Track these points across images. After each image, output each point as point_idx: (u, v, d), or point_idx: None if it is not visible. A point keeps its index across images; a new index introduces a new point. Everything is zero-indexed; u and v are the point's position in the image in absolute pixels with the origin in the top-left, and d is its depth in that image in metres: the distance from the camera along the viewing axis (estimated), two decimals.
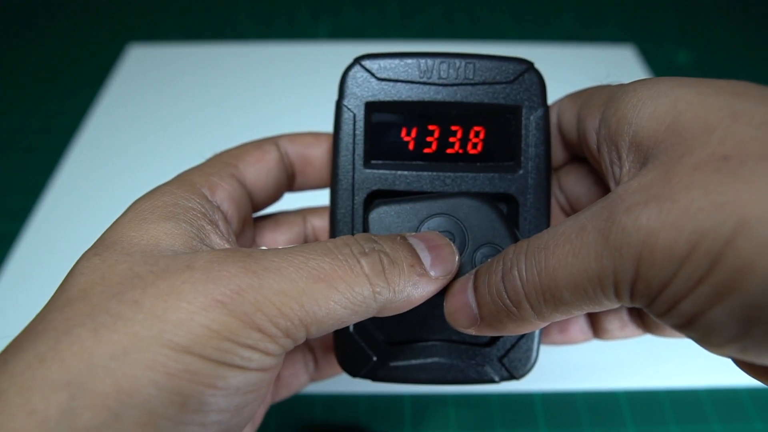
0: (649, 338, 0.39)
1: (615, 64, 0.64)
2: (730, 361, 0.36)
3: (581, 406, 0.36)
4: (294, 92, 0.58)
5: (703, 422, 0.35)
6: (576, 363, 0.38)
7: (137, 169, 0.50)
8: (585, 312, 0.19)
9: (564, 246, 0.18)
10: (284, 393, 0.29)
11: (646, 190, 0.17)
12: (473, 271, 0.23)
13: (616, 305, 0.18)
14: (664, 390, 0.37)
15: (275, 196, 0.28)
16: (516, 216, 0.26)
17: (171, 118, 0.56)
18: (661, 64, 0.64)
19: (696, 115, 0.17)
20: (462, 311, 0.22)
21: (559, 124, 0.27)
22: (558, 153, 0.28)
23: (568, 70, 0.62)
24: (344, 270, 0.19)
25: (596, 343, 0.39)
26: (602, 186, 0.27)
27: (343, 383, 0.36)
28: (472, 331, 0.22)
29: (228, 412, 0.18)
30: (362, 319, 0.20)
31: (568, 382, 0.37)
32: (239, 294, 0.17)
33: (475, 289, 0.22)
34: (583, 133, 0.24)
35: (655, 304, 0.17)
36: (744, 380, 0.37)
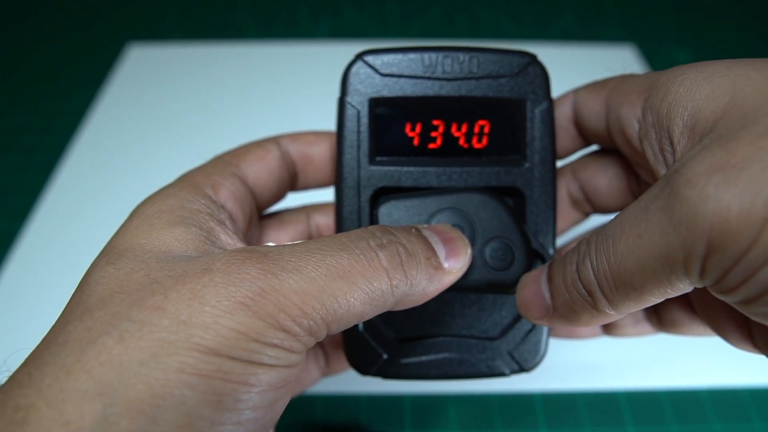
0: (649, 338, 0.39)
1: (615, 64, 0.63)
2: (730, 361, 0.36)
3: (581, 406, 0.36)
4: (294, 92, 0.58)
5: (703, 422, 0.35)
6: (576, 363, 0.38)
7: (137, 169, 0.50)
8: (659, 299, 0.19)
9: (630, 230, 0.18)
10: (298, 389, 0.29)
11: (708, 161, 0.16)
12: (547, 263, 0.23)
13: (688, 287, 0.18)
14: (664, 390, 0.37)
15: (278, 195, 0.28)
16: (523, 209, 0.26)
17: (171, 118, 0.56)
18: (661, 64, 0.64)
19: (757, 88, 0.17)
20: (535, 301, 0.22)
21: (576, 116, 0.27)
22: (569, 144, 0.28)
23: (568, 70, 0.62)
24: (362, 265, 0.19)
25: (596, 343, 0.39)
26: (627, 177, 0.27)
27: (344, 383, 0.36)
28: (544, 323, 0.23)
29: (262, 408, 0.18)
30: (379, 313, 0.20)
31: (568, 382, 0.37)
32: (261, 296, 0.17)
33: (549, 279, 0.22)
34: (618, 122, 0.23)
35: (729, 276, 0.16)
36: (744, 380, 0.37)
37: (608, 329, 0.30)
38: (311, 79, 0.59)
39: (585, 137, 0.28)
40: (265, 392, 0.17)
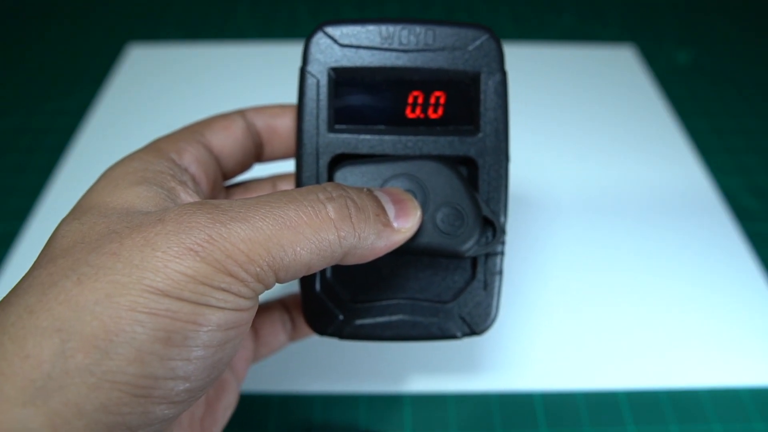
0: (648, 338, 0.39)
1: (615, 64, 0.64)
2: (730, 361, 0.36)
3: (581, 406, 0.36)
4: (294, 92, 0.58)
5: (703, 422, 0.35)
6: (576, 363, 0.38)
7: None
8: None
9: None
10: (264, 351, 0.30)
11: None
12: None
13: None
14: (664, 390, 0.37)
15: (244, 164, 0.29)
16: (476, 178, 0.27)
17: (171, 118, 0.56)
18: (661, 64, 0.64)
19: None
20: None
21: None
22: None
23: (568, 70, 0.62)
24: (309, 216, 0.20)
25: (596, 343, 0.39)
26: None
27: (344, 383, 0.36)
28: None
29: (211, 347, 0.19)
30: (329, 264, 0.21)
31: (568, 382, 0.37)
32: (209, 243, 0.18)
33: None
34: None
35: None
36: (744, 380, 0.37)
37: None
38: None
39: None
40: (214, 332, 0.18)
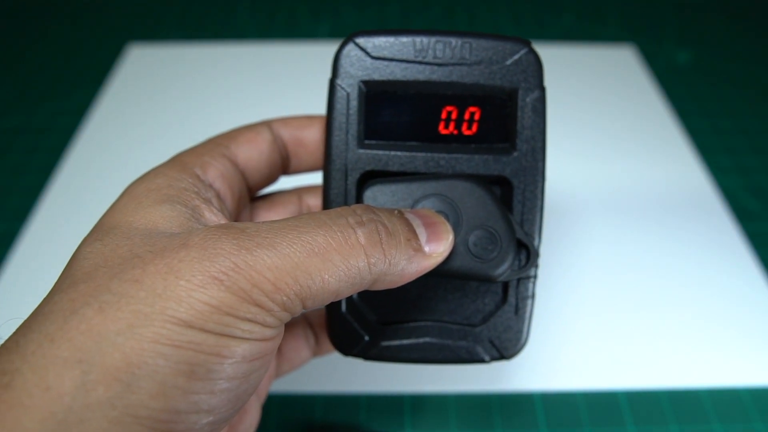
0: (648, 338, 0.39)
1: (615, 64, 0.64)
2: (730, 361, 0.36)
3: (581, 406, 0.36)
4: (294, 92, 0.58)
5: (703, 422, 0.35)
6: (576, 363, 0.38)
7: (137, 169, 0.50)
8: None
9: None
10: (287, 368, 0.30)
11: None
12: None
13: None
14: (664, 390, 0.37)
15: (270, 178, 0.28)
16: (510, 198, 0.26)
17: (171, 118, 0.56)
18: (661, 64, 0.64)
19: None
20: None
21: None
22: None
23: (568, 70, 0.62)
24: (338, 242, 0.19)
25: (596, 343, 0.39)
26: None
27: (344, 383, 0.36)
28: None
29: (236, 379, 0.18)
30: (357, 291, 0.20)
31: (568, 382, 0.37)
32: (235, 271, 0.18)
33: None
34: None
35: None
36: (744, 380, 0.37)
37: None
38: (311, 79, 0.59)
39: None
40: (239, 364, 0.18)
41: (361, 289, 0.20)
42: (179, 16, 0.72)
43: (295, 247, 0.19)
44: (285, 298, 0.18)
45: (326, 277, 0.19)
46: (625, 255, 0.44)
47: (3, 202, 0.48)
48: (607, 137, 0.54)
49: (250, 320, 0.18)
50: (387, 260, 0.20)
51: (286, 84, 0.59)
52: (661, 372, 0.37)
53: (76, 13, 0.72)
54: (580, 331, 0.40)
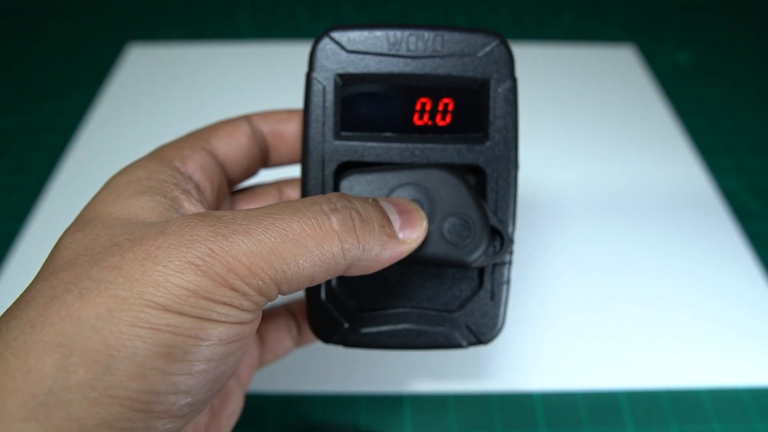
0: (648, 338, 0.39)
1: (615, 64, 0.64)
2: (730, 361, 0.36)
3: (581, 406, 0.36)
4: (294, 92, 0.58)
5: (703, 422, 0.35)
6: (576, 363, 0.38)
7: None
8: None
9: None
10: (270, 357, 0.30)
11: None
12: None
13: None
14: (664, 390, 0.37)
15: (250, 171, 0.29)
16: (484, 187, 0.27)
17: (171, 118, 0.56)
18: (661, 64, 0.64)
19: None
20: None
21: None
22: None
23: (568, 70, 0.62)
24: (312, 228, 0.20)
25: (596, 343, 0.39)
26: None
27: (344, 383, 0.36)
28: None
29: (213, 361, 0.19)
30: (332, 276, 0.21)
31: (568, 382, 0.37)
32: (211, 257, 0.18)
33: None
34: None
35: None
36: (744, 380, 0.37)
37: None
38: None
39: None
40: (216, 346, 0.18)
41: (336, 274, 0.21)
42: (179, 16, 0.72)
43: (270, 233, 0.19)
44: (260, 283, 0.19)
45: (301, 262, 0.19)
46: (625, 255, 0.44)
47: (3, 202, 0.48)
48: (607, 137, 0.54)
49: (226, 304, 0.18)
50: (361, 246, 0.21)
51: (286, 84, 0.59)
52: (661, 372, 0.37)
53: (76, 13, 0.72)
54: (580, 331, 0.40)
